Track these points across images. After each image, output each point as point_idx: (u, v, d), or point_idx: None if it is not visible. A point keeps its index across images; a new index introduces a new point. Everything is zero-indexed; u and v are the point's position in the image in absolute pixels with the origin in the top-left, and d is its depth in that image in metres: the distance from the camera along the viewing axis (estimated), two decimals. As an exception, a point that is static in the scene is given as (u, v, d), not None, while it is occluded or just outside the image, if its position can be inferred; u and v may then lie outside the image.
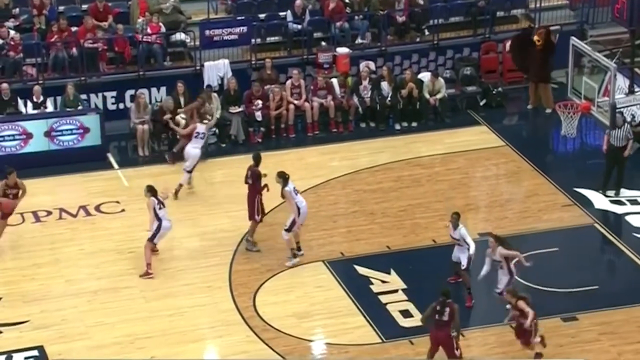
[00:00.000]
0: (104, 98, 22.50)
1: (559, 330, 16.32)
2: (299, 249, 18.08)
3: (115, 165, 21.53)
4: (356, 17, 23.81)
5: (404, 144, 21.94)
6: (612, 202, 19.73)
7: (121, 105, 22.57)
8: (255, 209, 18.21)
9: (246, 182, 18.39)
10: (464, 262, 16.69)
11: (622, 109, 20.09)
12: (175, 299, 17.27)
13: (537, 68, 22.72)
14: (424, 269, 17.81)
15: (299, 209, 17.69)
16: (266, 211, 18.46)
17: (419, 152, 21.69)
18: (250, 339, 16.23)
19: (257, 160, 18.44)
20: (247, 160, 21.48)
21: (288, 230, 17.81)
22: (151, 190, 17.68)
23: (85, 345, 16.20)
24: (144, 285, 17.58)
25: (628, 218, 19.34)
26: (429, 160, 21.44)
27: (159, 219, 17.56)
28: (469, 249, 16.64)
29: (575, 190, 20.07)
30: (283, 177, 17.76)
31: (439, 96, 22.86)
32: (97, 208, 19.93)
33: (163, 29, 22.88)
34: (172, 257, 18.46)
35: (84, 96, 22.15)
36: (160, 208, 17.61)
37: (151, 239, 17.65)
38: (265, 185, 18.18)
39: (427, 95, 22.84)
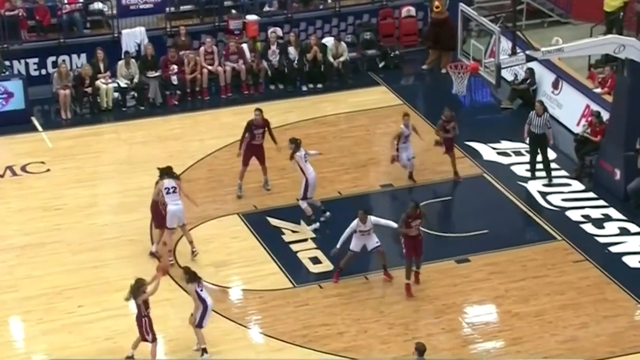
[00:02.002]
0: (27, 64, 21.94)
1: (454, 271, 16.58)
2: (324, 212, 17.51)
3: (40, 128, 21.05)
4: (264, -14, 23.62)
5: (311, 104, 21.89)
6: (499, 153, 20.05)
7: (43, 71, 22.05)
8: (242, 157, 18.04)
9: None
10: (377, 241, 15.84)
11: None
12: (100, 252, 17.04)
13: (446, 39, 22.84)
14: (331, 218, 17.87)
15: (307, 176, 17.11)
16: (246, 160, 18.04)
17: (325, 111, 21.68)
18: (172, 288, 16.09)
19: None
20: (164, 121, 21.33)
21: (303, 198, 17.30)
22: (165, 173, 16.08)
23: (14, 297, 15.92)
24: (70, 240, 17.30)
25: (513, 168, 19.67)
26: (334, 118, 21.46)
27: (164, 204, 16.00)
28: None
29: (465, 143, 20.31)
30: (295, 143, 17.21)
31: (341, 59, 22.84)
32: (23, 168, 19.48)
33: (81, -1, 22.41)
34: (97, 212, 18.20)
35: (7, 63, 21.56)
36: (168, 192, 16.01)
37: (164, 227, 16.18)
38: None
39: (331, 59, 22.80)
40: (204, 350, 14.50)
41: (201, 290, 14.40)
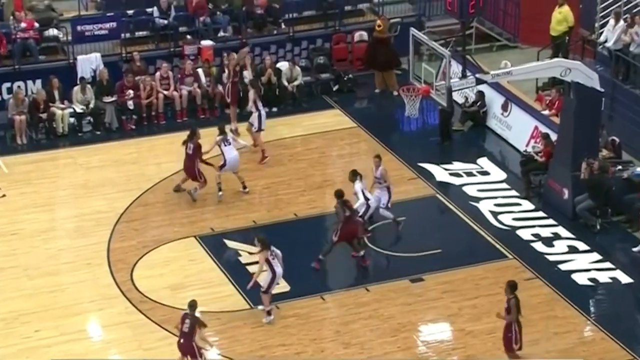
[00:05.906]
0: (-18, 91, 21.77)
1: (408, 290, 16.64)
2: (244, 187, 19.17)
3: (-5, 154, 20.88)
4: (217, 13, 23.62)
5: (266, 127, 21.87)
6: (451, 174, 20.22)
7: (-2, 97, 21.89)
8: (196, 174, 18.96)
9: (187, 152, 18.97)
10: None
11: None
12: (57, 276, 16.88)
13: (384, 58, 23.12)
14: (287, 239, 17.86)
15: (225, 157, 18.78)
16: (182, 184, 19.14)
17: (281, 134, 21.72)
18: (129, 310, 16.00)
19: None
20: (121, 146, 21.21)
21: (220, 169, 18.95)
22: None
23: (-29, 324, 15.70)
24: (27, 265, 17.11)
25: (465, 188, 19.84)
26: (290, 141, 21.50)
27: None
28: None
29: (418, 164, 20.47)
30: (220, 130, 19.10)
31: (296, 83, 22.93)
32: (-21, 194, 19.28)
33: (37, 25, 22.21)
34: (54, 237, 18.02)
35: (-38, 89, 21.38)
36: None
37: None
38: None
39: (285, 83, 22.87)
40: (269, 312, 15.75)
41: (273, 258, 15.56)
